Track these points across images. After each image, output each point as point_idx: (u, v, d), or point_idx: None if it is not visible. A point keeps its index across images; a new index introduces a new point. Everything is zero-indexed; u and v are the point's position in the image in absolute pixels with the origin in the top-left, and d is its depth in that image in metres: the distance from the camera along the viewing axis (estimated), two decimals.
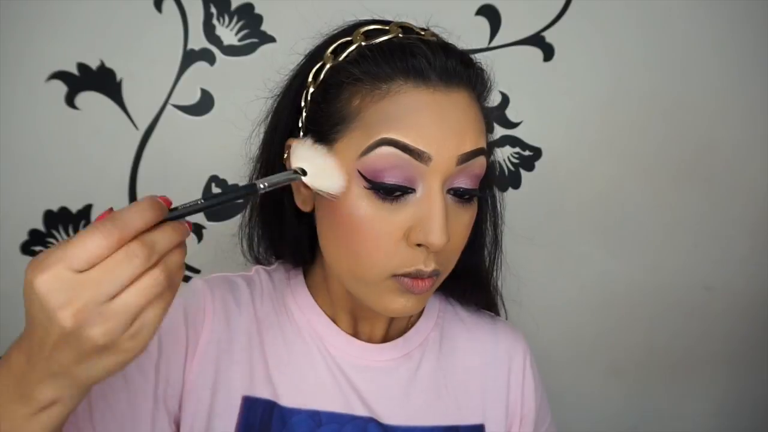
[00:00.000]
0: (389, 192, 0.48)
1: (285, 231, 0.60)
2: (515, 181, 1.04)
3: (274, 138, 0.57)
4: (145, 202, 0.36)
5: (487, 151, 0.52)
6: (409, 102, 0.48)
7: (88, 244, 0.33)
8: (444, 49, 0.50)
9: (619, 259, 1.08)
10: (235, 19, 0.93)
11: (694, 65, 1.04)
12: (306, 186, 0.54)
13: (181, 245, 0.38)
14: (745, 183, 1.09)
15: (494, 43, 0.99)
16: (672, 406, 1.15)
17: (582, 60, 1.01)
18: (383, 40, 0.50)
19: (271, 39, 0.94)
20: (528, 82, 1.01)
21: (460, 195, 0.50)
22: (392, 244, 0.49)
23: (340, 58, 0.51)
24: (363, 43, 0.50)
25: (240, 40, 0.94)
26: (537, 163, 1.04)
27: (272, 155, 0.57)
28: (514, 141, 1.02)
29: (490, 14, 0.98)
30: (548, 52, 1.00)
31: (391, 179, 0.48)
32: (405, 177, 0.48)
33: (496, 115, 1.01)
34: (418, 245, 0.49)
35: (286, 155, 0.55)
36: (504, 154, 1.03)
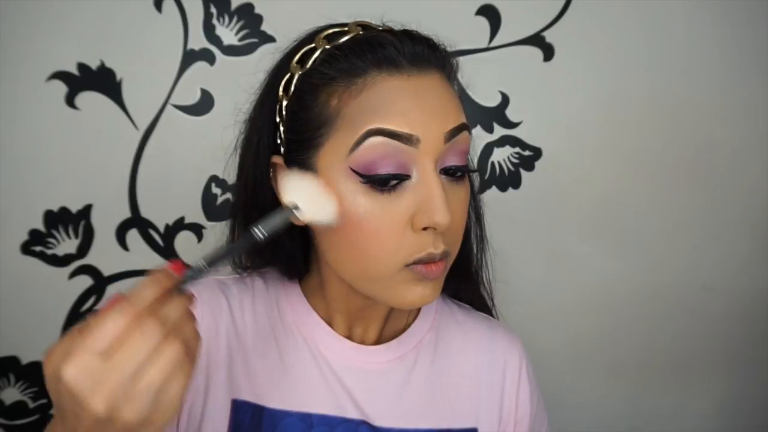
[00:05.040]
0: (385, 182, 0.48)
1: (277, 251, 0.58)
2: (515, 181, 1.04)
3: (258, 158, 0.55)
4: (154, 276, 0.37)
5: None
6: (387, 90, 0.48)
7: (108, 327, 0.35)
8: (409, 36, 0.51)
9: (619, 259, 1.08)
10: (235, 19, 0.93)
11: (694, 65, 1.04)
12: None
13: (192, 314, 0.40)
14: (746, 183, 1.09)
15: (494, 43, 0.99)
16: (672, 406, 1.15)
17: (582, 60, 1.01)
18: (348, 39, 0.50)
19: (271, 39, 0.94)
20: (528, 82, 1.00)
21: (452, 173, 0.50)
22: (398, 234, 0.48)
23: (308, 65, 0.50)
24: (327, 46, 0.50)
25: (240, 40, 0.94)
26: (537, 163, 1.04)
27: (259, 176, 0.55)
28: (514, 141, 1.02)
29: (490, 14, 0.98)
30: (548, 52, 1.00)
31: (385, 169, 0.47)
32: (398, 164, 0.47)
33: (496, 115, 1.01)
34: (424, 229, 0.48)
35: (271, 173, 0.54)
36: (504, 154, 1.03)
